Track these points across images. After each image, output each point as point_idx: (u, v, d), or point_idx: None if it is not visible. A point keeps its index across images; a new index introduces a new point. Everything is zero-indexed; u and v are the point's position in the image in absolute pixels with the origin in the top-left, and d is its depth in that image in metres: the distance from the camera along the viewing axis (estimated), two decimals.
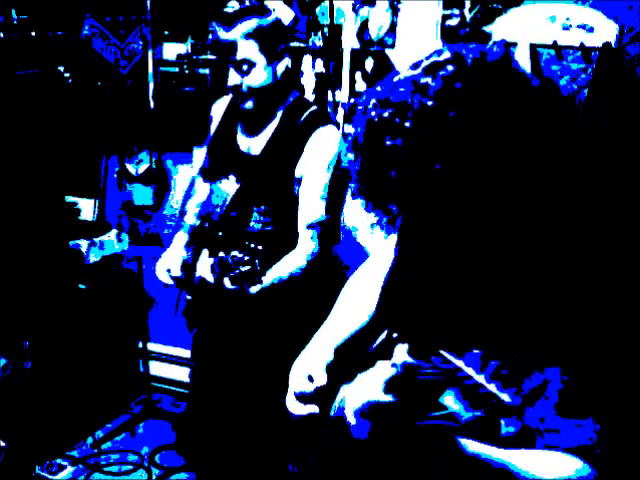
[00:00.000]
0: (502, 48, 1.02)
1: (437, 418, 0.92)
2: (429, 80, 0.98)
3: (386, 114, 1.00)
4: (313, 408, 1.43)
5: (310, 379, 1.45)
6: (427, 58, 1.03)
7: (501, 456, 0.98)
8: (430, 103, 0.96)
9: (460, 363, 0.94)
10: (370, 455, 1.14)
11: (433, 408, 0.93)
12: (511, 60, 1.01)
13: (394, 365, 1.07)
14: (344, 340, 1.52)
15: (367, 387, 1.06)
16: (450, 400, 0.93)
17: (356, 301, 1.58)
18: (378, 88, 1.04)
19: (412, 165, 0.98)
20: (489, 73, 0.99)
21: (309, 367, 1.46)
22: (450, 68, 0.99)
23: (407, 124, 0.97)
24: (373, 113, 1.02)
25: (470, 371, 0.93)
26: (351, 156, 1.06)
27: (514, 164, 0.98)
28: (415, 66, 1.03)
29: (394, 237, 1.39)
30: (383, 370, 1.07)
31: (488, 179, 0.98)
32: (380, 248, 1.62)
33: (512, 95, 0.98)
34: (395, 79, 1.03)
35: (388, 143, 0.99)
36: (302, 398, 1.46)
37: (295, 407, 1.45)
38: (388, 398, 1.00)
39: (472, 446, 0.97)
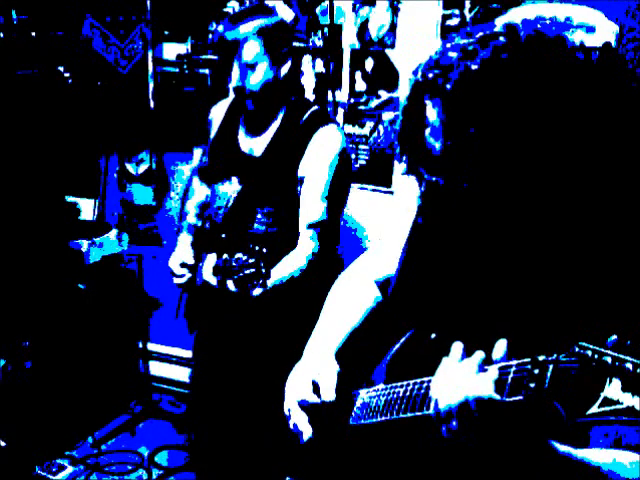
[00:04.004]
0: (558, 28, 1.02)
1: (610, 414, 0.78)
2: (479, 47, 0.99)
3: (430, 75, 1.02)
4: (307, 428, 1.37)
5: (316, 392, 1.38)
6: (481, 29, 1.03)
7: (594, 457, 0.94)
8: (474, 67, 0.98)
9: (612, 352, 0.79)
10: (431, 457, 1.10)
11: (593, 403, 0.79)
12: (565, 39, 1.02)
13: (496, 362, 0.96)
14: (341, 344, 1.46)
15: (471, 387, 0.96)
16: (617, 392, 0.78)
17: (348, 300, 1.53)
18: (432, 55, 1.06)
19: (448, 127, 0.99)
20: (543, 49, 0.99)
21: (316, 376, 1.39)
22: (502, 39, 1.00)
23: (448, 86, 0.99)
24: (419, 74, 1.04)
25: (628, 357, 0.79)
26: (391, 115, 1.10)
27: (552, 140, 0.98)
28: (468, 35, 1.03)
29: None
30: (491, 371, 0.96)
31: (522, 151, 0.98)
32: (375, 245, 1.59)
33: (565, 72, 0.98)
34: (448, 45, 1.04)
35: (427, 102, 1.01)
36: (304, 408, 1.39)
37: (295, 418, 1.40)
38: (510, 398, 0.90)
39: (563, 447, 0.93)
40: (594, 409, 0.79)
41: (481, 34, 1.01)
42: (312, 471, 1.47)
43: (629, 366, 0.78)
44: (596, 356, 0.80)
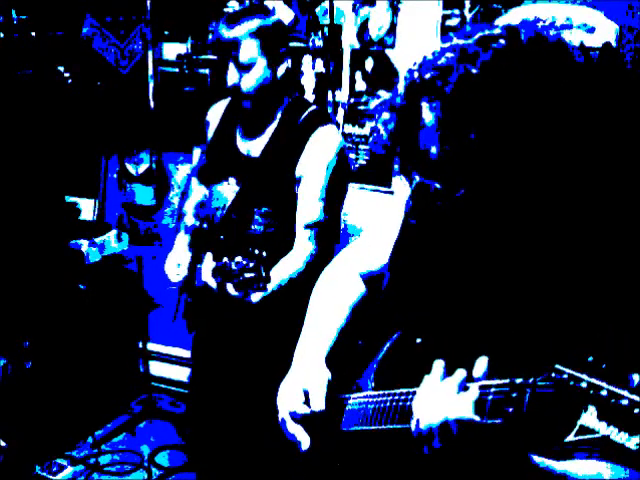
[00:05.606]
0: (557, 30, 1.01)
1: (586, 443, 0.77)
2: (480, 50, 0.97)
3: (428, 75, 0.99)
4: (304, 437, 1.35)
5: (307, 401, 1.35)
6: (480, 30, 1.01)
7: (576, 470, 0.92)
8: (475, 71, 0.96)
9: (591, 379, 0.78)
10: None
11: (570, 431, 0.78)
12: (565, 41, 1.00)
13: (477, 380, 0.97)
14: (330, 348, 1.43)
15: (452, 407, 0.97)
16: (592, 420, 0.77)
17: (333, 297, 1.50)
18: (428, 56, 1.03)
19: (445, 131, 0.97)
20: (544, 52, 0.98)
21: (306, 385, 1.37)
22: (502, 41, 0.98)
23: (447, 88, 0.97)
24: (416, 75, 1.01)
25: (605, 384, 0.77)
26: (387, 115, 1.05)
27: (555, 145, 0.96)
28: (467, 36, 1.01)
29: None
30: (471, 390, 0.96)
31: (523, 155, 0.96)
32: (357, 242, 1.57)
33: (567, 76, 0.97)
34: (445, 45, 1.01)
35: (423, 104, 0.99)
36: (297, 419, 1.37)
37: (290, 428, 1.38)
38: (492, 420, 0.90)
39: (545, 461, 0.92)
40: (571, 437, 0.79)
41: (480, 35, 0.99)
42: (306, 476, 1.47)
43: (604, 393, 0.77)
44: (572, 382, 0.79)
